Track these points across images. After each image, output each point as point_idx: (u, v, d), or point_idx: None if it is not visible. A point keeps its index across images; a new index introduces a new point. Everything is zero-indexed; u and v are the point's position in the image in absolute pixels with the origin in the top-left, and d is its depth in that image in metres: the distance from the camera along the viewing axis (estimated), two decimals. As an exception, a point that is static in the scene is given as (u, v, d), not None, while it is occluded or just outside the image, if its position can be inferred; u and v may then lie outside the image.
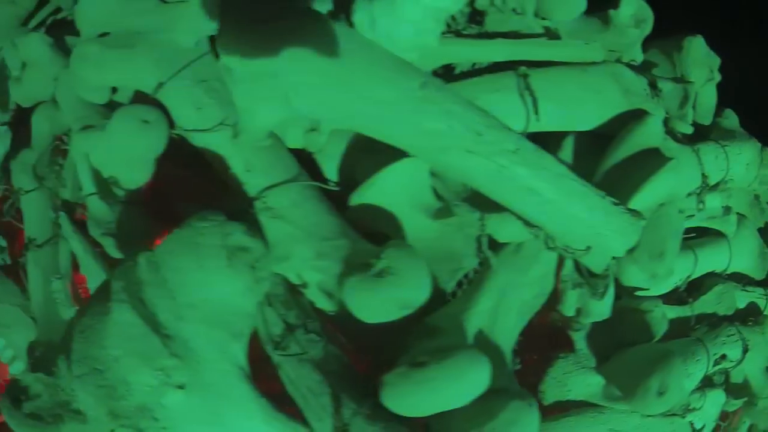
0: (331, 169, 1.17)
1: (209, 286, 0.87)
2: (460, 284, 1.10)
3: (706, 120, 1.52)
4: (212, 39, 1.23)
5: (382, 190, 1.06)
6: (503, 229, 1.14)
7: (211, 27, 1.24)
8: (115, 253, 1.25)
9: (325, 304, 1.12)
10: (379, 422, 0.97)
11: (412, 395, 0.91)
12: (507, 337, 1.12)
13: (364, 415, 0.97)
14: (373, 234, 1.12)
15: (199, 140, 1.19)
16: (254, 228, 1.01)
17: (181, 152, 1.28)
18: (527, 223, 1.12)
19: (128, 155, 1.22)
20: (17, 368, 1.54)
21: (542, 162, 1.02)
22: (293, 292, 1.10)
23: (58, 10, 1.80)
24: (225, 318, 0.88)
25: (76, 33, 1.69)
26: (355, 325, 1.08)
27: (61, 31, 1.72)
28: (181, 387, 0.84)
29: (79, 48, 1.39)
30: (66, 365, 1.21)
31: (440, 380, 0.91)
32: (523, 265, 1.15)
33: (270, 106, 1.01)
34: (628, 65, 1.36)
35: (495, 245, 1.16)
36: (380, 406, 0.98)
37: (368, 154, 1.14)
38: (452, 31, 1.19)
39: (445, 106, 0.95)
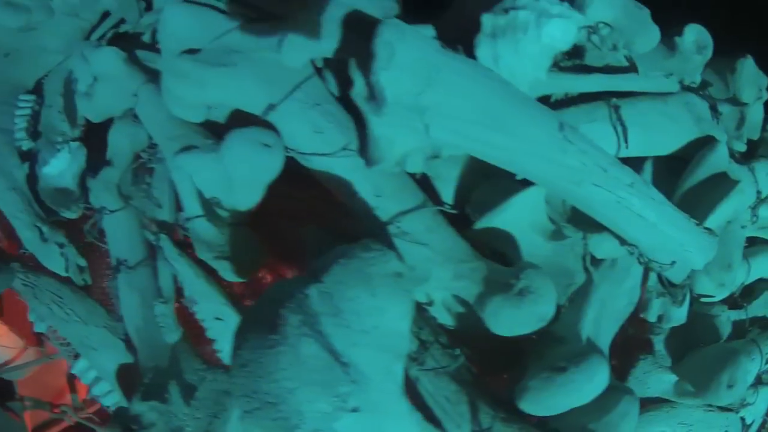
0: (447, 193, 1.37)
1: (380, 312, 1.05)
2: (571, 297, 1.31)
3: (755, 135, 1.82)
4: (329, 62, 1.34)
5: (510, 214, 1.25)
6: (602, 246, 1.40)
7: (321, 48, 1.35)
8: (231, 277, 1.36)
9: (447, 320, 1.32)
10: (514, 424, 1.18)
11: (554, 396, 1.16)
12: (606, 341, 1.36)
13: (500, 418, 1.18)
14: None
15: (318, 164, 1.36)
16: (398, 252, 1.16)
17: (287, 172, 1.39)
18: (623, 241, 1.35)
19: (245, 178, 1.35)
20: (101, 389, 1.64)
21: (649, 192, 1.29)
22: (418, 309, 1.27)
23: (120, 22, 1.84)
24: (390, 341, 1.07)
25: (141, 46, 1.75)
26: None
27: (123, 44, 1.77)
28: (355, 410, 0.99)
29: (171, 64, 1.50)
30: (177, 391, 1.32)
31: (578, 382, 1.16)
32: (618, 278, 1.42)
33: (408, 136, 1.18)
34: (692, 89, 1.60)
35: (593, 261, 1.37)
36: (513, 408, 1.18)
37: (485, 179, 1.33)
38: (553, 64, 1.37)
39: (580, 145, 1.19)
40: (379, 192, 1.29)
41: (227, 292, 1.45)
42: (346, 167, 1.34)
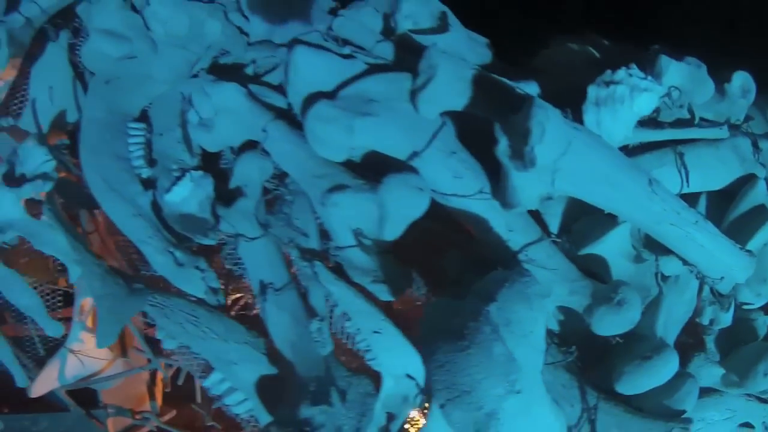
0: (554, 225, 2.33)
1: (535, 321, 2.05)
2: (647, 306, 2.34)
3: (790, 166, 2.94)
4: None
5: (606, 244, 2.24)
6: (669, 266, 2.46)
7: (453, 103, 2.26)
8: (386, 297, 2.27)
9: (554, 326, 2.29)
10: (611, 401, 2.18)
11: (643, 378, 2.20)
12: (672, 339, 2.42)
13: (602, 398, 2.17)
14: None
15: (456, 203, 2.32)
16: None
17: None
18: (685, 262, 2.39)
19: (397, 215, 2.25)
20: (235, 399, 2.50)
21: (707, 227, 2.35)
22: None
23: (222, 54, 2.65)
24: (538, 342, 2.06)
25: (245, 79, 2.58)
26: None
27: (227, 75, 2.59)
28: (518, 392, 1.95)
29: (316, 110, 2.36)
30: (338, 395, 2.21)
31: (659, 367, 2.20)
32: (680, 290, 2.49)
33: (538, 186, 2.14)
34: (737, 126, 2.65)
35: (663, 277, 2.40)
36: (608, 390, 2.18)
37: (585, 215, 2.30)
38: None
39: (662, 195, 2.22)
40: (510, 227, 2.35)
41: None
42: (482, 207, 2.36)
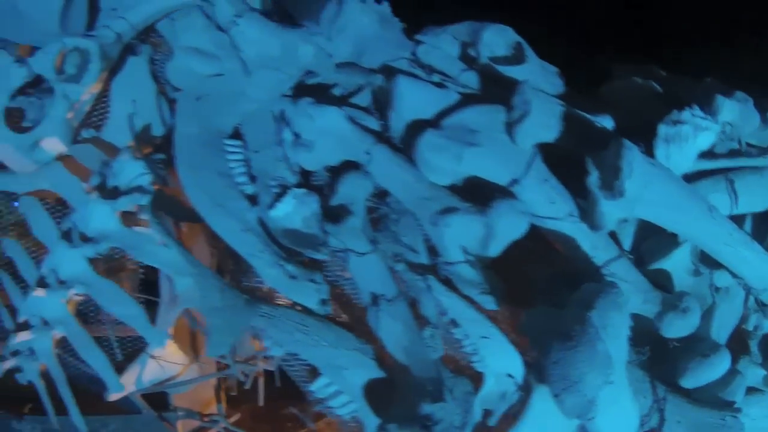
0: (626, 244, 3.45)
1: (623, 325, 3.23)
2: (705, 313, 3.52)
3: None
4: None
5: (672, 260, 3.38)
6: (721, 278, 3.65)
7: (546, 136, 3.34)
8: (492, 307, 3.31)
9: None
10: (677, 393, 3.37)
11: (703, 374, 3.44)
12: (723, 342, 3.58)
13: (669, 391, 3.34)
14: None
15: (549, 224, 3.39)
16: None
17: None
18: (734, 275, 3.59)
19: (503, 236, 3.28)
20: (340, 401, 3.51)
21: (754, 246, 3.61)
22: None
23: (306, 74, 3.63)
24: (623, 342, 3.18)
25: (332, 99, 3.59)
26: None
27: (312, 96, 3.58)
28: (610, 383, 3.08)
29: (427, 139, 3.39)
30: (450, 394, 3.26)
31: (716, 364, 3.48)
32: (730, 299, 3.67)
33: (621, 211, 3.25)
34: None
35: (716, 288, 3.59)
36: (674, 384, 3.34)
37: (652, 234, 3.44)
38: (696, 154, 3.58)
39: (719, 220, 3.48)
40: (595, 246, 3.48)
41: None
42: (571, 228, 3.44)
